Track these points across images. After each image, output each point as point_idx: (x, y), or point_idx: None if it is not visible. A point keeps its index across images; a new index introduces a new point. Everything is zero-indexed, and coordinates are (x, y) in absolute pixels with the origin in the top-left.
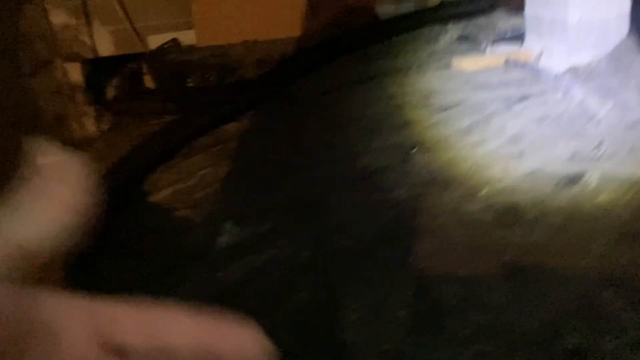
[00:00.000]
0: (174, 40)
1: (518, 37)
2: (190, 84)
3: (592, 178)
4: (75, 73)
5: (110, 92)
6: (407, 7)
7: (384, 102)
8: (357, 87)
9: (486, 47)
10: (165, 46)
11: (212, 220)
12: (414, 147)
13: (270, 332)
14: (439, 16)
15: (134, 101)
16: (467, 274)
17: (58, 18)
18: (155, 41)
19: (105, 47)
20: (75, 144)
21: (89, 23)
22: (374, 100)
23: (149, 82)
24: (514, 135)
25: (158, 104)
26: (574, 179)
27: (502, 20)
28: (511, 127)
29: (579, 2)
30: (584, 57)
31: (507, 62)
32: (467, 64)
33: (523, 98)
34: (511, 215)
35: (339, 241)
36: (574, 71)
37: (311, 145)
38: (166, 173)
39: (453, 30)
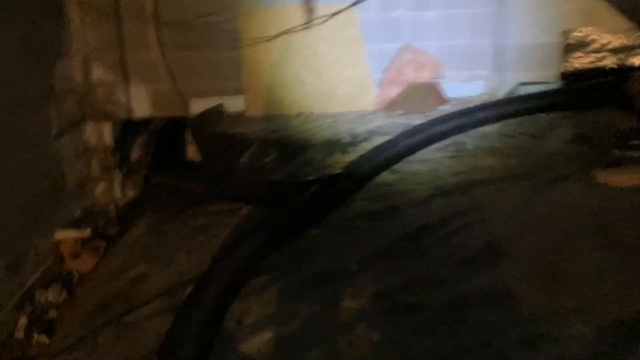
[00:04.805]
0: (219, 105)
1: None
2: (244, 161)
3: None
4: (105, 133)
5: (136, 154)
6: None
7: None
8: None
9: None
10: (210, 112)
11: None
12: None
13: None
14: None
15: (173, 174)
16: None
17: (93, 73)
18: (199, 105)
19: (142, 107)
20: (103, 225)
21: (126, 80)
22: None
23: (192, 152)
24: None
25: (203, 184)
26: None
27: (620, 118)
28: None
29: None
30: None
31: None
32: (619, 178)
33: None
34: None
35: None
36: None
37: None
38: (253, 304)
39: (564, 127)
